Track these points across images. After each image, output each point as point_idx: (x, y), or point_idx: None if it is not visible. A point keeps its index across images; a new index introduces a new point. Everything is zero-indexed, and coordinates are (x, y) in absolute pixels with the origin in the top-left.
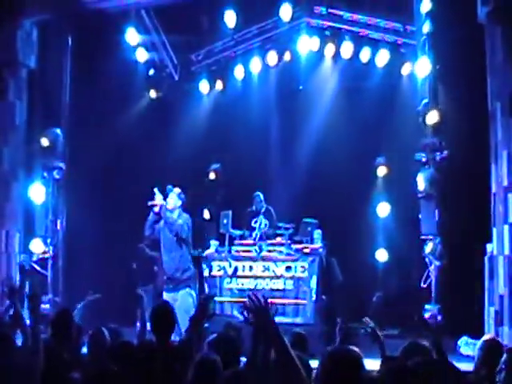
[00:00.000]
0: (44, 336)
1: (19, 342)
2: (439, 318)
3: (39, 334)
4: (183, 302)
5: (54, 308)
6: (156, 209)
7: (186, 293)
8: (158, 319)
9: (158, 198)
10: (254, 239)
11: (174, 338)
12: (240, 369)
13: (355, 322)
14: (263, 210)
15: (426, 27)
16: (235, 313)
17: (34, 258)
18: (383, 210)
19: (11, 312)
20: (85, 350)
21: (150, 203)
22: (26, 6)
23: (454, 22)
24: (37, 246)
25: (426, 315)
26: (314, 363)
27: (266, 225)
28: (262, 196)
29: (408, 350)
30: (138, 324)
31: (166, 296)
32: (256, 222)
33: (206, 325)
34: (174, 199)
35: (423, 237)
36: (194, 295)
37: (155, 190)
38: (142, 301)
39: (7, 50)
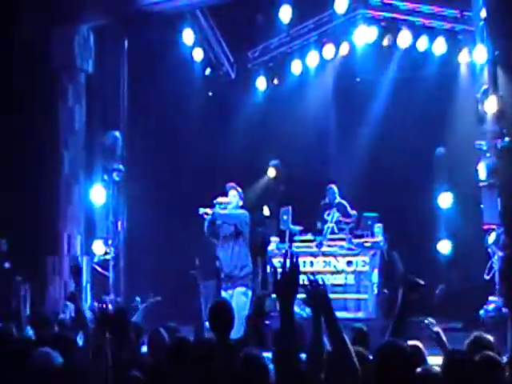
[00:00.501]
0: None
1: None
2: (504, 310)
3: (103, 335)
4: (237, 300)
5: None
6: (208, 216)
7: (241, 292)
8: (216, 317)
9: (223, 198)
10: (326, 232)
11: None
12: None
13: (418, 316)
14: (336, 202)
15: (483, 12)
16: (296, 309)
17: (96, 260)
18: (445, 200)
19: (72, 314)
20: (145, 349)
21: (215, 201)
22: (82, 12)
23: (511, 5)
24: (98, 248)
25: (490, 308)
26: None
27: (338, 217)
28: (335, 189)
29: (473, 344)
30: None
31: (223, 294)
32: (329, 215)
33: (267, 322)
34: (236, 198)
35: (486, 227)
36: (250, 294)
37: (200, 210)
38: (198, 289)
39: (65, 55)
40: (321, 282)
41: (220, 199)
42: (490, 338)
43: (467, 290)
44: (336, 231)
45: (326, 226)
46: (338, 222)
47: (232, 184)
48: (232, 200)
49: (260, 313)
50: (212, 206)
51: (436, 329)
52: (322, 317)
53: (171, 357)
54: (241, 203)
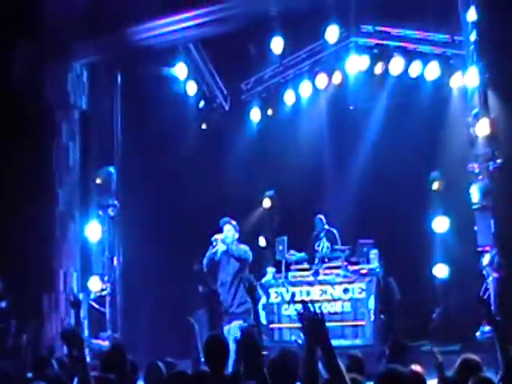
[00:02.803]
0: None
1: None
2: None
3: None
4: (234, 334)
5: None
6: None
7: (239, 325)
8: (211, 350)
9: (220, 235)
10: (317, 263)
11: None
12: None
13: (415, 340)
14: (323, 233)
15: (473, 36)
16: (293, 338)
17: (92, 296)
18: (440, 224)
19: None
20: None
21: (213, 238)
22: (74, 49)
23: (500, 28)
24: (94, 284)
25: (486, 329)
26: None
27: (327, 247)
28: (323, 218)
29: (462, 366)
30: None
31: (224, 330)
32: (319, 246)
33: (265, 352)
34: (232, 231)
35: (479, 249)
36: None
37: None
38: (194, 330)
39: (59, 93)
40: (318, 311)
41: (216, 236)
42: (477, 358)
43: (464, 312)
44: (326, 260)
45: (316, 256)
46: (332, 251)
47: (226, 219)
48: (228, 234)
49: (248, 344)
50: (210, 244)
51: (440, 359)
52: (318, 345)
53: None
54: (237, 235)
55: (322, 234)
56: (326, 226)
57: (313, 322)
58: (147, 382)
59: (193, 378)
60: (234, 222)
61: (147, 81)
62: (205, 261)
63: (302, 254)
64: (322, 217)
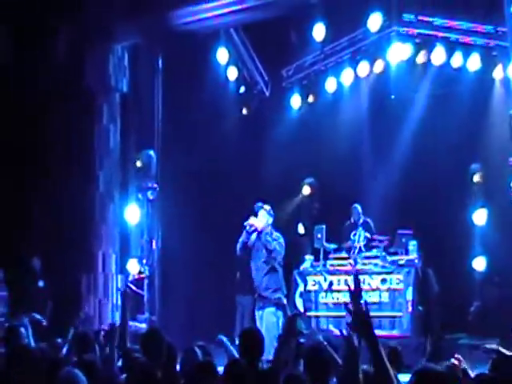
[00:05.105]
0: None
1: None
2: None
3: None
4: (266, 320)
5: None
6: (251, 229)
7: (271, 312)
8: (246, 345)
9: (254, 220)
10: (354, 252)
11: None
12: None
13: (453, 333)
14: (361, 221)
15: None
16: (331, 327)
17: (130, 278)
18: (480, 217)
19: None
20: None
21: (246, 223)
22: (116, 32)
23: None
24: (133, 267)
25: None
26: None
27: (365, 237)
28: (359, 208)
29: (496, 364)
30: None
31: (256, 314)
32: (355, 235)
33: (302, 340)
34: (265, 217)
35: None
36: (281, 316)
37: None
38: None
39: (100, 75)
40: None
41: (251, 221)
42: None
43: (502, 307)
44: (363, 250)
45: (353, 246)
46: (369, 240)
47: (260, 204)
48: (262, 220)
49: (292, 332)
50: (244, 228)
51: (494, 346)
52: (364, 337)
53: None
54: (271, 220)
55: (359, 224)
56: (362, 216)
57: (359, 313)
58: (182, 368)
59: (227, 369)
60: (267, 207)
61: (188, 65)
62: (238, 245)
63: (334, 246)
64: (358, 206)
